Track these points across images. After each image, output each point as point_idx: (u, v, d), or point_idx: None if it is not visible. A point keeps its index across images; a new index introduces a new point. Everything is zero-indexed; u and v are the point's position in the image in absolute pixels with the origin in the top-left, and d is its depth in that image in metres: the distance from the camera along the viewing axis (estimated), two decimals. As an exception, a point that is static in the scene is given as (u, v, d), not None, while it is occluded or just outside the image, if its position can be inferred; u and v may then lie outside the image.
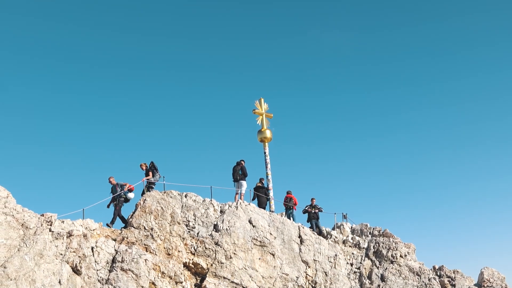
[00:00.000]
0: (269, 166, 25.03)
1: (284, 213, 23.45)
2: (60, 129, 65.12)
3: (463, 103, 72.80)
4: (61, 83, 67.08)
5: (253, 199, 22.62)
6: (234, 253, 18.29)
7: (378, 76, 74.90)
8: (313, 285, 19.99)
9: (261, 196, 22.68)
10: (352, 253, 22.91)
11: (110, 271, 15.37)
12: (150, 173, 19.44)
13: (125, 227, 17.47)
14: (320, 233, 23.44)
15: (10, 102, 62.30)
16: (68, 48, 67.30)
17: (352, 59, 76.73)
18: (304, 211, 24.18)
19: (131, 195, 18.55)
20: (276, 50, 78.83)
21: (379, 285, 21.71)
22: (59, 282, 13.55)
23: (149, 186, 19.24)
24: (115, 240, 16.47)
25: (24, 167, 59.52)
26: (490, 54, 72.20)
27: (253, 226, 19.54)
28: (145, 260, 16.00)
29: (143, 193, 19.01)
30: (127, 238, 16.55)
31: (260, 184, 23.19)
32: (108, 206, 18.43)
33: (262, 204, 22.25)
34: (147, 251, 16.49)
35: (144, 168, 19.58)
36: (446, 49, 74.27)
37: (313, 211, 24.02)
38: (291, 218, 23.01)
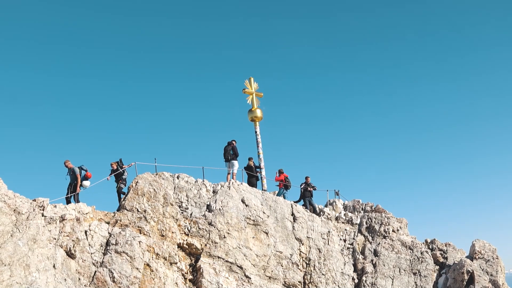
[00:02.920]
0: (260, 145, 25.05)
1: (279, 191, 23.40)
2: (52, 115, 64.82)
3: (457, 91, 73.12)
4: (56, 68, 66.49)
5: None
6: (228, 233, 18.38)
7: (368, 57, 75.01)
8: (307, 262, 20.18)
9: (250, 174, 22.71)
10: (345, 229, 23.10)
11: (104, 254, 15.41)
12: (124, 166, 19.26)
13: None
14: (314, 211, 23.55)
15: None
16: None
17: (345, 41, 76.56)
18: (304, 189, 24.06)
19: (86, 183, 17.75)
20: (266, 31, 78.47)
21: (372, 260, 21.95)
22: (54, 266, 13.60)
23: (122, 183, 19.14)
24: (108, 223, 16.48)
25: (15, 153, 59.30)
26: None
27: (246, 205, 19.61)
28: (139, 242, 16.05)
29: (120, 192, 18.94)
30: (120, 220, 16.57)
31: (250, 163, 23.14)
32: (67, 194, 17.37)
33: (251, 183, 22.27)
34: (140, 233, 16.53)
35: (115, 166, 19.16)
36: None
37: (308, 189, 24.09)
38: (285, 197, 23.07)
